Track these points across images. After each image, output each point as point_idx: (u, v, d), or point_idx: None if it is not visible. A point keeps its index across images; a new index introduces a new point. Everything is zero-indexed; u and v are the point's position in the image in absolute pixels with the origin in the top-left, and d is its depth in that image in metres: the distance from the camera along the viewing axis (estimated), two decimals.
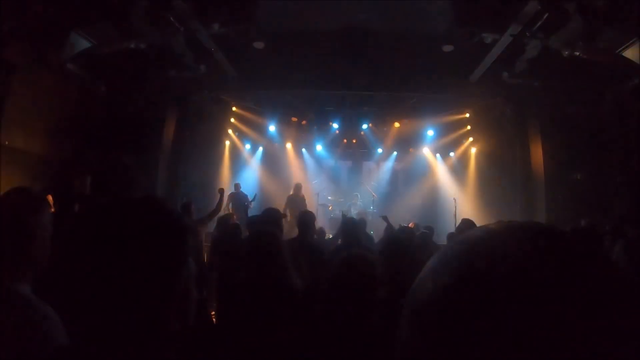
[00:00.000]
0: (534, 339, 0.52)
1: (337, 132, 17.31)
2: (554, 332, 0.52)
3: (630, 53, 8.77)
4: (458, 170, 16.75)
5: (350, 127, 17.05)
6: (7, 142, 8.49)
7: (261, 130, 16.84)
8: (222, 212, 11.28)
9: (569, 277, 0.55)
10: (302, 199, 14.28)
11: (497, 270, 0.57)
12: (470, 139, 16.07)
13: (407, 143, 17.67)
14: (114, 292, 1.07)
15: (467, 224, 6.94)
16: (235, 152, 16.86)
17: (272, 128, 16.72)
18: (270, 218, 5.55)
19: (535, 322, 0.52)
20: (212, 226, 9.42)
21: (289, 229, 10.86)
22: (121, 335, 1.07)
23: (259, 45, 11.16)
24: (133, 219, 1.15)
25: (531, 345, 0.52)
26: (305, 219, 5.93)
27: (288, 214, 12.69)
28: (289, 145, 17.66)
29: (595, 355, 0.51)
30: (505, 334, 0.53)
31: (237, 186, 14.05)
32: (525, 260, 0.57)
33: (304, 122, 16.89)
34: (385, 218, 8.74)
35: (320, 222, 11.71)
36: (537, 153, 12.68)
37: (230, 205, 13.31)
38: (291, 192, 14.64)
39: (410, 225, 8.45)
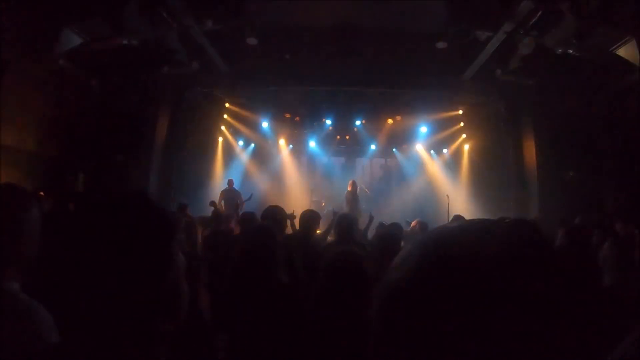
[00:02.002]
0: (489, 323, 0.53)
1: (331, 128, 17.30)
2: (511, 318, 0.53)
3: (623, 51, 8.79)
4: (451, 166, 16.80)
5: (343, 124, 17.06)
6: None
7: (254, 126, 16.79)
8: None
9: (534, 281, 0.57)
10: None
11: (458, 257, 0.58)
12: (464, 135, 16.11)
13: (401, 140, 17.67)
14: (104, 288, 1.07)
15: (457, 220, 6.97)
16: (228, 148, 16.82)
17: (265, 124, 16.68)
18: (269, 215, 5.54)
19: (489, 310, 0.54)
20: None
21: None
22: (111, 331, 1.08)
23: (252, 41, 11.13)
24: (122, 215, 1.16)
25: (486, 328, 0.53)
26: (308, 218, 5.93)
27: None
28: (282, 142, 17.63)
29: (560, 348, 0.53)
30: (466, 319, 0.54)
31: (230, 182, 14.02)
32: (485, 250, 0.59)
33: (297, 118, 16.86)
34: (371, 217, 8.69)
35: None
36: (530, 150, 12.73)
37: (223, 201, 13.29)
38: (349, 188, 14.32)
39: (413, 223, 8.44)
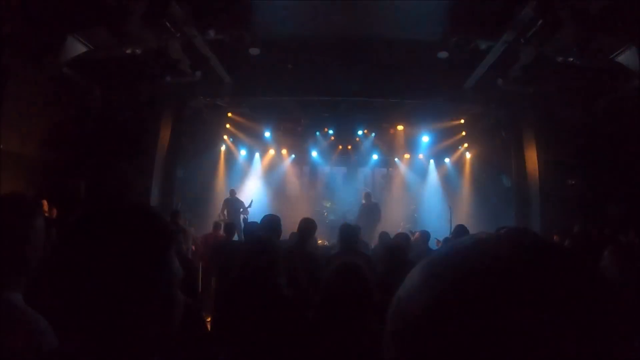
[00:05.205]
0: (526, 350, 0.52)
1: (333, 138, 17.31)
2: (543, 343, 0.52)
3: (624, 59, 8.80)
4: (453, 176, 16.79)
5: (345, 134, 17.07)
6: (1, 146, 8.46)
7: (256, 136, 16.81)
8: (218, 219, 11.34)
9: (557, 288, 0.56)
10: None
11: (490, 285, 0.56)
12: (465, 145, 16.12)
13: (403, 149, 17.66)
14: (100, 295, 1.09)
15: (460, 230, 6.99)
16: (230, 158, 16.85)
17: (267, 134, 16.69)
18: (268, 225, 5.54)
19: (530, 336, 0.52)
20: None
21: None
22: (106, 338, 1.09)
23: (254, 51, 11.16)
24: (119, 223, 1.17)
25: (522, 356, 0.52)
26: (306, 227, 5.92)
27: None
28: (284, 152, 17.64)
29: None
30: (502, 347, 0.53)
31: (232, 192, 14.06)
32: (516, 274, 0.57)
33: (299, 128, 16.87)
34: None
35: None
36: (532, 159, 12.72)
37: (226, 211, 13.31)
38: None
39: (416, 235, 8.45)
